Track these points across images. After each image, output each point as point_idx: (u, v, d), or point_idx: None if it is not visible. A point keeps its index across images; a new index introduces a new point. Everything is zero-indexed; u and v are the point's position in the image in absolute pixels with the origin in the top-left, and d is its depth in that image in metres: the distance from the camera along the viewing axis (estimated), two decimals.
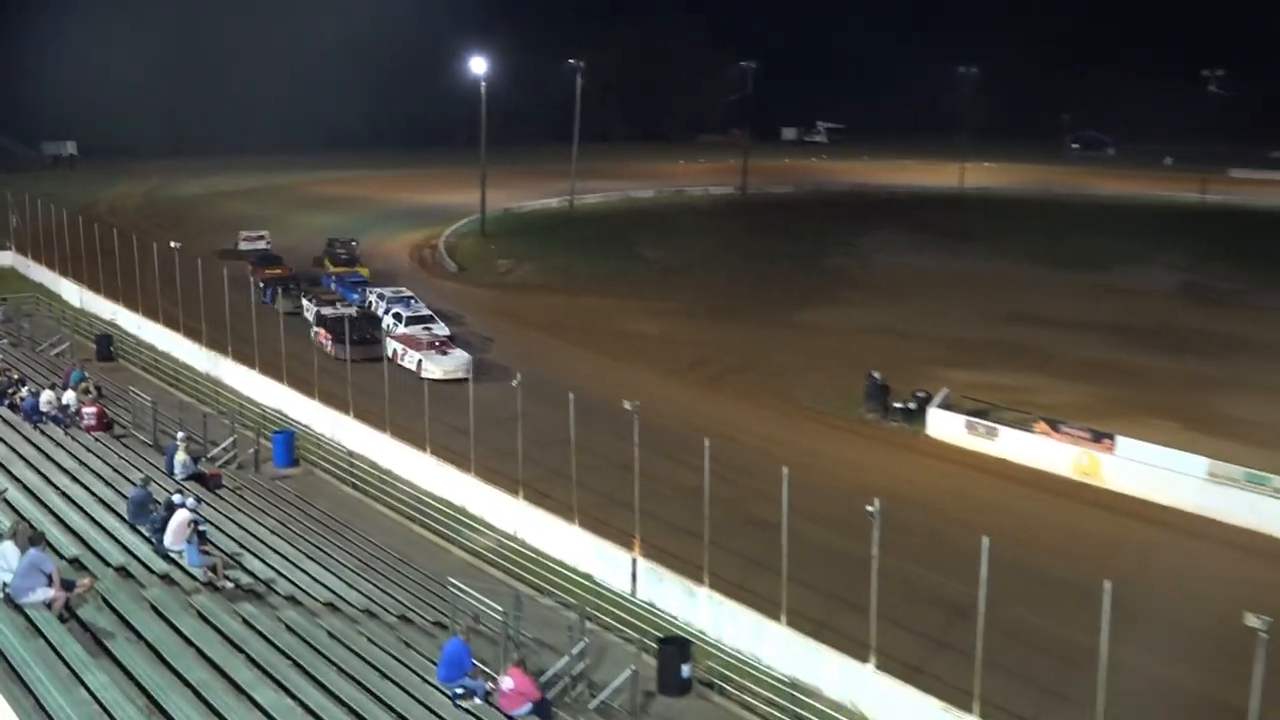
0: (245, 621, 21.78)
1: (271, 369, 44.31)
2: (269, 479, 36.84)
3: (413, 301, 57.79)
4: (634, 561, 30.48)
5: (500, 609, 26.10)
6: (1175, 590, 29.43)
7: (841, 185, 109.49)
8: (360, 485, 37.66)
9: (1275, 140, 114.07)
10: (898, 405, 44.69)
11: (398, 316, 54.91)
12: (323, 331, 52.32)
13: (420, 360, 48.35)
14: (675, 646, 26.08)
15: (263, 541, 28.39)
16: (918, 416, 44.00)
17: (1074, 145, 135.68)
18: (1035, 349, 54.57)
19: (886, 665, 25.19)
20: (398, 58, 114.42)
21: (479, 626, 25.20)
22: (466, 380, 38.52)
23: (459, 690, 21.21)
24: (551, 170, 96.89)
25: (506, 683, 21.39)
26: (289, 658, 20.48)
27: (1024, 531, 31.97)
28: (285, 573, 26.29)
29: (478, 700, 21.17)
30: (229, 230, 77.54)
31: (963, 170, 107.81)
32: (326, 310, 55.14)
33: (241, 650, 20.18)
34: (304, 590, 25.36)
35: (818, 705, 25.30)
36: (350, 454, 39.24)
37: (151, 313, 52.26)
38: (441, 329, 53.93)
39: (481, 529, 34.37)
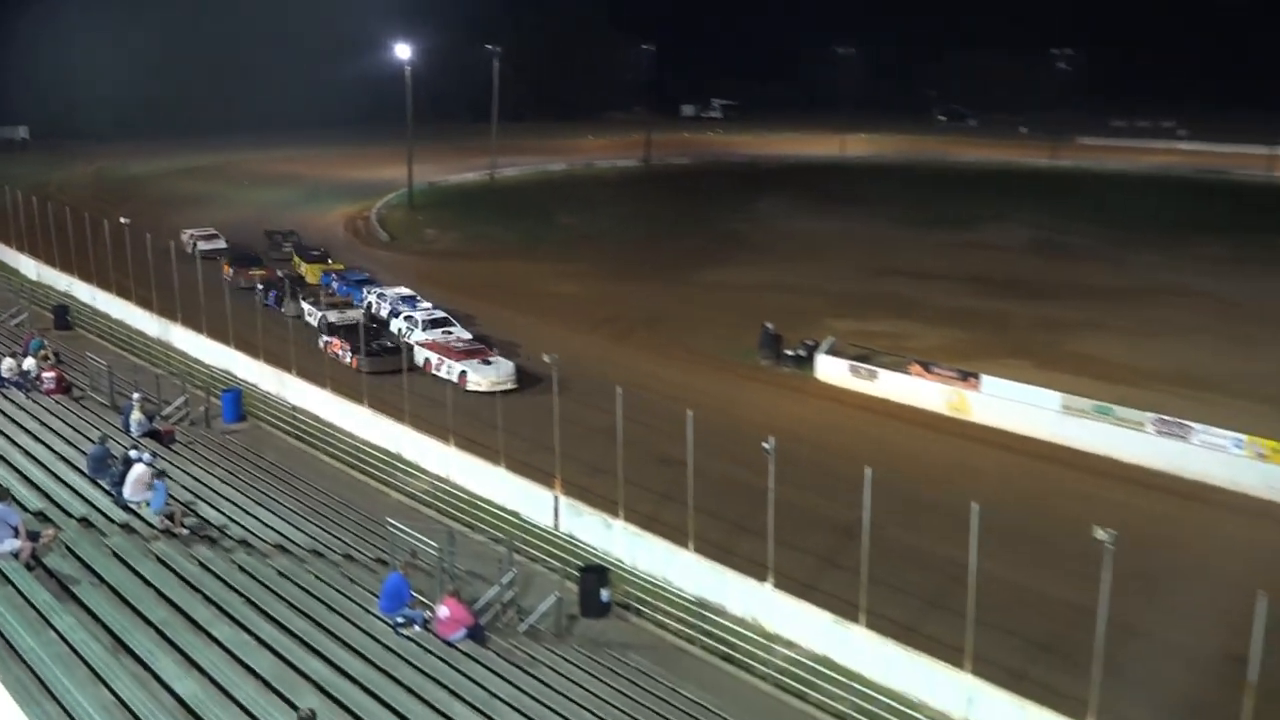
0: (201, 564, 21.48)
1: (218, 333, 43.50)
2: (219, 434, 36.22)
3: (417, 301, 50.24)
4: (555, 499, 30.51)
5: (435, 545, 26.02)
6: (1035, 509, 30.09)
7: (736, 157, 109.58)
8: (304, 437, 37.22)
9: (1116, 111, 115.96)
10: (789, 353, 45.07)
11: (410, 320, 47.21)
12: (335, 341, 44.68)
13: (464, 372, 41.10)
14: (595, 574, 26.29)
15: (215, 491, 27.95)
16: (807, 362, 44.42)
17: (940, 118, 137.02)
18: (909, 299, 55.18)
19: (783, 584, 25.53)
20: (329, 44, 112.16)
21: (416, 562, 25.11)
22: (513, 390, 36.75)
23: (400, 620, 21.17)
24: (473, 147, 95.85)
25: (443, 611, 21.39)
26: (243, 595, 20.25)
27: (903, 462, 32.43)
28: (237, 518, 25.95)
29: (417, 628, 21.16)
30: (174, 206, 75.49)
31: (843, 141, 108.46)
32: (333, 316, 47.33)
33: (198, 590, 19.91)
34: (254, 534, 25.04)
35: (723, 621, 25.66)
36: (294, 409, 38.80)
37: (104, 283, 50.92)
38: (461, 332, 46.31)
39: (416, 473, 34.18)
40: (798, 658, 24.17)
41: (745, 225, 77.31)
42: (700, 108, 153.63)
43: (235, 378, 41.74)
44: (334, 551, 25.58)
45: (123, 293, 49.71)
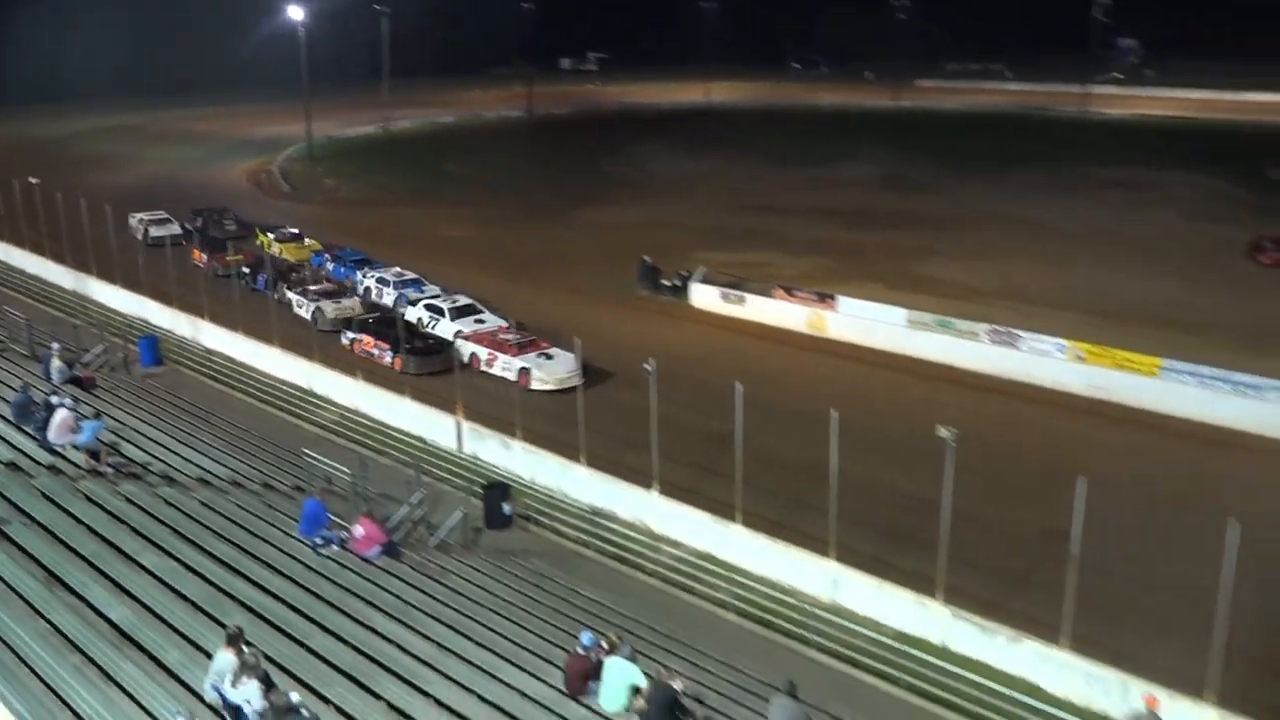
0: (128, 500, 21.01)
1: (132, 283, 42.02)
2: (139, 378, 35.12)
3: (423, 285, 43.03)
4: (458, 424, 30.36)
5: (348, 471, 25.85)
6: (887, 414, 30.63)
7: (612, 105, 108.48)
8: (220, 378, 36.34)
9: (951, 55, 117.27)
10: (665, 283, 45.24)
11: (432, 309, 39.40)
12: (366, 338, 37.08)
13: (525, 369, 33.92)
14: (497, 490, 26.35)
15: (137, 431, 27.21)
16: (682, 291, 44.65)
17: (795, 65, 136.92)
18: (772, 232, 55.59)
19: (668, 490, 25.90)
20: (230, 6, 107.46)
21: (331, 487, 24.87)
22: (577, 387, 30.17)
23: (319, 541, 20.98)
24: (367, 102, 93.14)
25: (358, 531, 21.24)
26: (169, 527, 19.88)
27: (770, 377, 32.82)
28: (159, 456, 25.35)
29: (335, 548, 21.00)
30: (88, 167, 72.02)
31: (708, 89, 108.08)
32: (329, 307, 40.46)
33: (125, 523, 19.50)
34: (177, 470, 24.50)
35: (614, 526, 25.98)
36: (209, 351, 37.84)
37: (18, 240, 48.68)
38: (494, 318, 38.93)
39: (327, 406, 33.68)
40: (683, 555, 24.64)
41: (622, 169, 76.87)
42: (577, 60, 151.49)
43: (151, 325, 40.43)
44: (253, 482, 25.15)
45: (36, 249, 47.61)
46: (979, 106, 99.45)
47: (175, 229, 51.86)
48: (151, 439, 26.82)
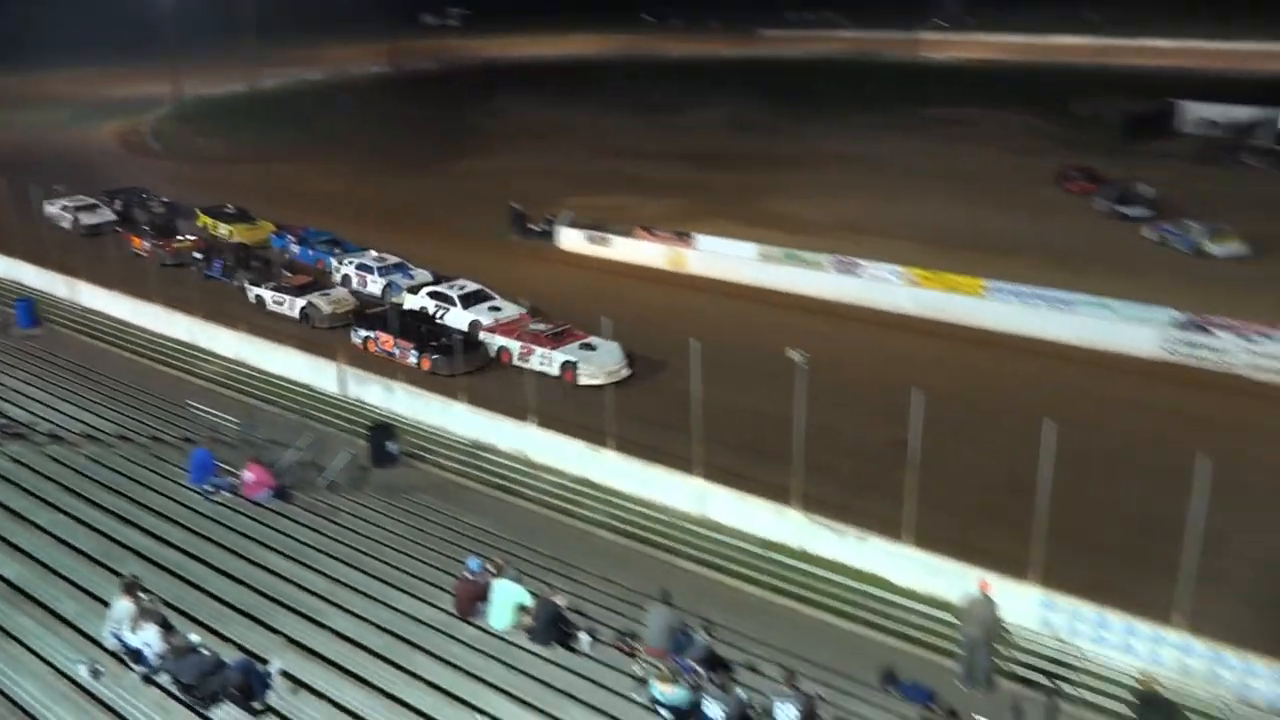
0: (14, 460, 20.06)
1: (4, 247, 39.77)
2: (17, 340, 33.37)
3: (410, 269, 37.42)
4: (340, 369, 29.75)
5: (235, 420, 25.15)
6: (743, 341, 30.79)
7: (475, 59, 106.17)
8: (101, 336, 34.80)
9: (790, 4, 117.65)
10: (533, 228, 44.85)
11: (440, 297, 33.51)
12: (384, 336, 31.32)
13: (570, 363, 29.29)
14: (381, 430, 25.97)
15: (19, 392, 25.97)
16: (549, 235, 44.34)
17: (647, 18, 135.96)
18: (632, 176, 55.41)
19: (545, 422, 25.92)
20: None
21: (219, 436, 24.21)
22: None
23: (209, 488, 20.40)
24: (237, 59, 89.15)
25: (247, 476, 20.74)
26: (58, 483, 19.09)
27: (635, 311, 32.90)
28: (43, 415, 24.23)
29: (226, 494, 20.44)
30: None
31: (565, 42, 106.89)
32: (324, 303, 34.28)
33: (14, 483, 18.64)
34: (62, 428, 23.47)
35: (495, 458, 25.93)
36: (86, 310, 36.13)
37: None
38: (509, 304, 33.26)
39: (210, 358, 32.59)
40: (561, 481, 24.77)
41: (489, 120, 75.54)
42: (439, 16, 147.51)
43: (26, 287, 38.35)
44: (141, 436, 24.26)
45: None
46: (818, 54, 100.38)
47: (108, 214, 45.94)
48: (35, 399, 25.63)
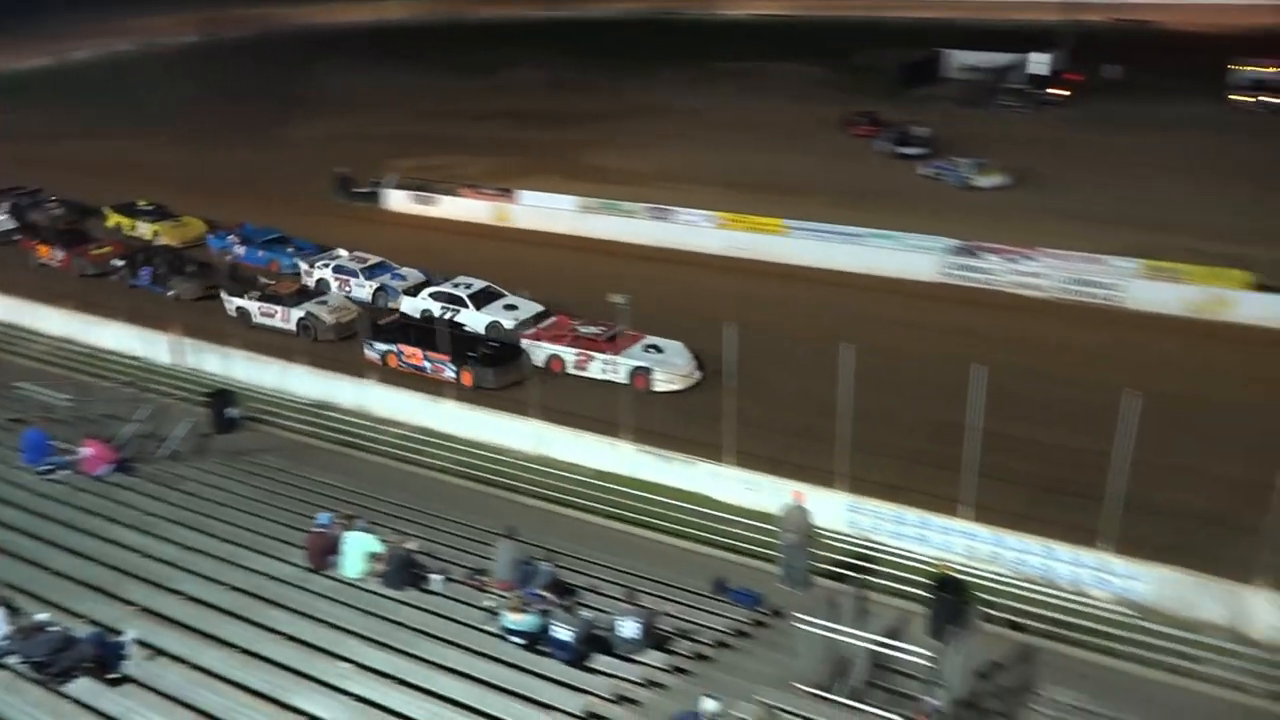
0: None
1: None
2: None
3: (393, 268, 32.45)
4: (171, 339, 28.18)
5: (68, 397, 23.59)
6: (570, 288, 30.68)
7: (291, 27, 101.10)
8: None
9: None
10: (358, 190, 43.41)
11: (445, 298, 29.13)
12: (409, 350, 26.64)
13: (643, 369, 25.28)
14: (220, 396, 24.74)
15: None
16: (375, 197, 43.00)
17: None
18: (455, 136, 54.21)
19: (386, 378, 25.34)
20: None
21: (52, 415, 22.62)
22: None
23: (45, 468, 19.11)
24: (44, 32, 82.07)
25: (86, 452, 19.54)
26: None
27: (465, 267, 32.29)
28: None
29: (64, 472, 19.19)
30: None
31: (381, 7, 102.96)
32: (327, 313, 29.39)
33: None
34: None
35: (338, 415, 25.22)
36: None
37: None
38: (527, 303, 28.98)
39: (37, 338, 30.34)
40: (404, 433, 24.29)
41: (310, 87, 72.17)
42: None
43: None
44: None
45: None
46: (621, 13, 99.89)
47: (8, 221, 39.05)
48: None
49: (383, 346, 27.06)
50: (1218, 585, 16.78)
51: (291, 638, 13.42)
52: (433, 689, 12.36)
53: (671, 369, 25.24)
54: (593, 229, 38.00)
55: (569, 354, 26.13)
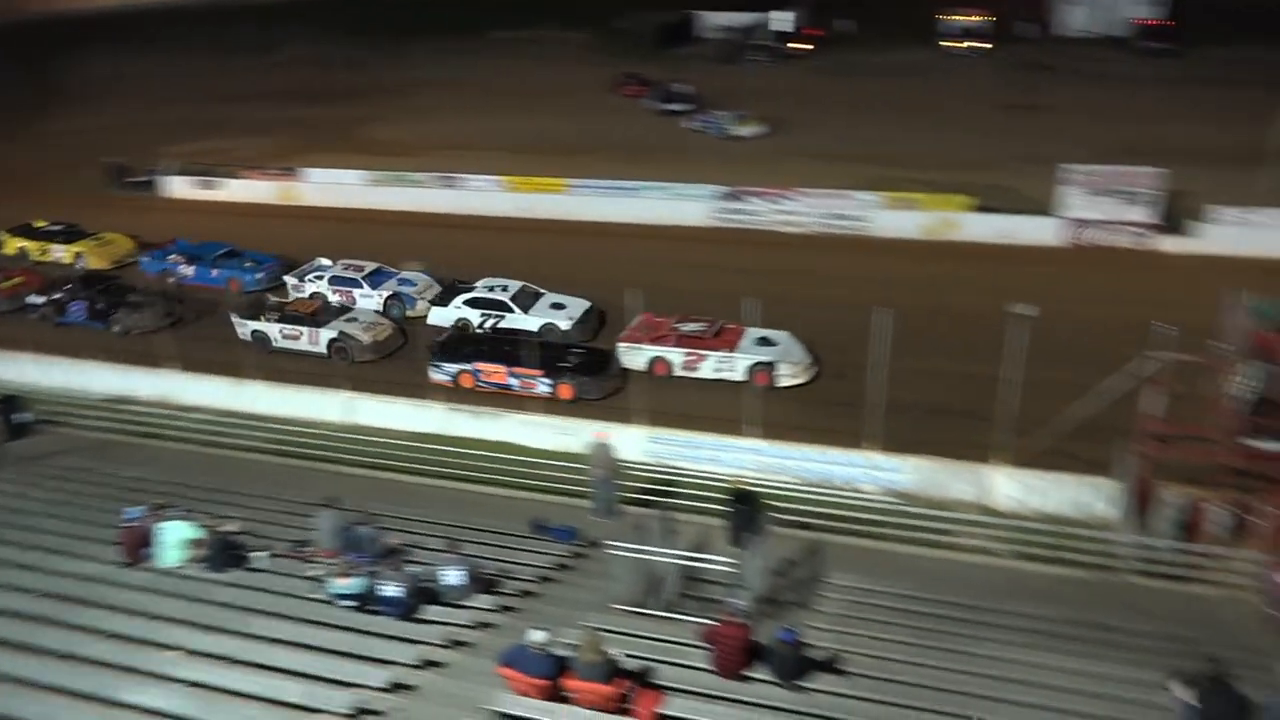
0: None
1: None
2: None
3: (397, 273, 27.69)
4: None
5: None
6: (366, 257, 29.77)
7: (43, 14, 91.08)
8: None
9: None
10: (132, 180, 40.09)
11: (489, 305, 25.10)
12: (492, 367, 22.72)
13: (763, 364, 22.14)
14: (6, 401, 22.33)
15: None
16: (153, 185, 39.83)
17: None
18: (231, 119, 50.68)
19: (189, 366, 23.78)
20: None
21: None
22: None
23: None
24: None
25: None
26: None
27: (259, 243, 30.54)
28: None
29: None
30: None
31: None
32: (362, 332, 24.74)
33: None
34: None
35: (138, 408, 23.54)
36: None
37: None
38: (573, 301, 25.51)
39: None
40: (208, 417, 22.92)
41: (70, 77, 65.44)
42: None
43: None
44: None
45: None
46: None
47: None
48: None
49: (454, 367, 23.08)
50: (963, 467, 18.36)
51: (113, 635, 12.52)
52: (268, 663, 11.87)
53: (791, 364, 22.46)
54: (383, 200, 36.64)
55: (676, 355, 22.80)
